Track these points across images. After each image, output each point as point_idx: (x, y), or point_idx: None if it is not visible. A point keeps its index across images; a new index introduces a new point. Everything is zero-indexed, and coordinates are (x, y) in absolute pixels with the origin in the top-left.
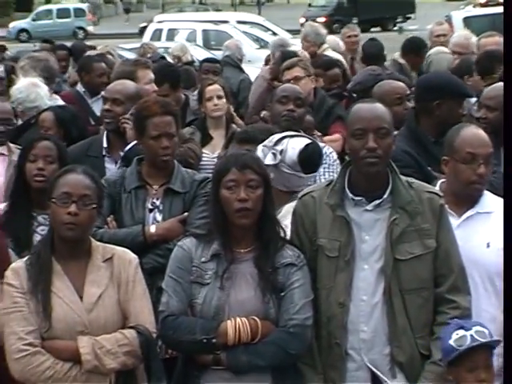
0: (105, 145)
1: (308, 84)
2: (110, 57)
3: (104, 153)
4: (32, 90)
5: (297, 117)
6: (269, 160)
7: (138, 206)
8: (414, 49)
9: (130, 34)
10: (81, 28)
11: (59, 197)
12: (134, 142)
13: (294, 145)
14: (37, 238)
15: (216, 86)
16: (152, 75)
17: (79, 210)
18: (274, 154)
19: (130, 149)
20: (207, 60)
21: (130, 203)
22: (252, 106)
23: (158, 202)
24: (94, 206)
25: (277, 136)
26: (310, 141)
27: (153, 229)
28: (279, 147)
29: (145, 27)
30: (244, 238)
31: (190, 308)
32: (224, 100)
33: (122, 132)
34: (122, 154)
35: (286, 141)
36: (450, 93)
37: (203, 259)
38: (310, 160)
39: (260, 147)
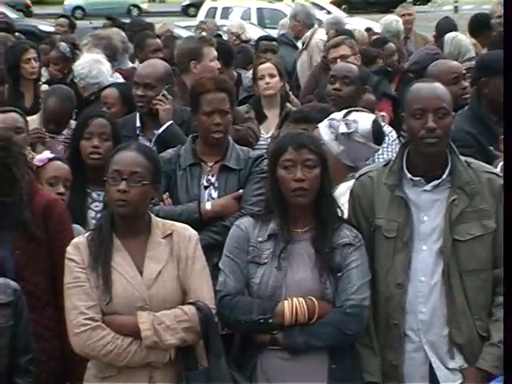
0: (138, 124)
1: (355, 62)
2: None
3: (138, 132)
4: (94, 66)
5: (343, 95)
6: (343, 129)
7: (193, 183)
8: (484, 25)
9: (173, 12)
10: (135, 5)
11: (111, 174)
12: (168, 123)
13: (364, 117)
14: (91, 214)
15: (268, 65)
16: (215, 52)
17: (129, 187)
18: (348, 124)
19: (164, 130)
20: (264, 38)
21: (185, 180)
22: (305, 85)
23: (213, 179)
24: (145, 182)
25: (343, 110)
26: (374, 115)
27: (208, 206)
28: (351, 117)
29: (188, 5)
30: (301, 217)
31: (247, 288)
32: (277, 79)
33: (154, 113)
34: (155, 132)
35: (354, 113)
36: (494, 70)
37: (260, 239)
38: (381, 131)
39: (326, 122)
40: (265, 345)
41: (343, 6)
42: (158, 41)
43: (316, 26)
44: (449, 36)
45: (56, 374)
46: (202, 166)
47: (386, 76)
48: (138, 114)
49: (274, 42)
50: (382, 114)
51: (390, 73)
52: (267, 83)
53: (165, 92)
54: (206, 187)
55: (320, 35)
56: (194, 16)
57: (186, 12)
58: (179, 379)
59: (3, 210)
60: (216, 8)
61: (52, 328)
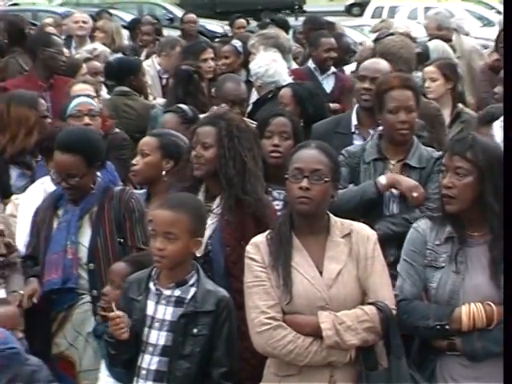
0: (354, 122)
1: None
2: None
3: (353, 129)
4: (271, 65)
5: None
6: None
7: (375, 177)
8: None
9: (336, 12)
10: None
11: (292, 172)
12: None
13: None
14: None
15: (430, 68)
16: None
17: (311, 184)
18: None
19: None
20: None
21: (368, 174)
22: (478, 88)
23: None
24: (327, 180)
25: None
26: None
27: (383, 179)
28: None
29: (352, 5)
30: (476, 221)
31: (425, 291)
32: (439, 82)
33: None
34: (370, 132)
35: None
36: None
37: (437, 242)
38: None
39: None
40: (443, 350)
41: None
42: (333, 40)
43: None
44: None
45: (257, 372)
46: (385, 162)
47: None
48: (354, 111)
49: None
50: None
51: None
52: (427, 87)
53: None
54: None
55: (467, 40)
56: (358, 15)
57: (349, 11)
58: (359, 379)
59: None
60: (383, 7)
61: None
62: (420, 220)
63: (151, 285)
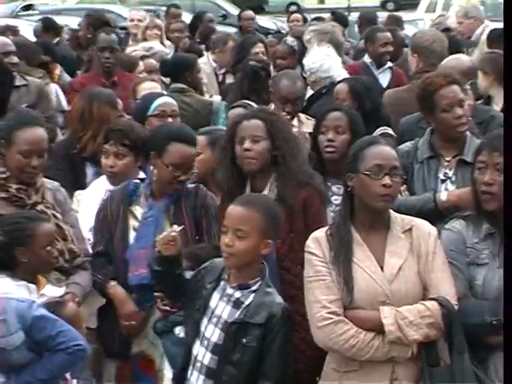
0: None
1: None
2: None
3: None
4: (325, 60)
5: None
6: None
7: (430, 176)
8: None
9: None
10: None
11: (372, 169)
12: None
13: None
14: (330, 207)
15: None
16: None
17: (392, 181)
18: None
19: None
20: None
21: (422, 173)
22: None
23: (450, 173)
24: (403, 177)
25: None
26: None
27: (444, 196)
28: None
29: (386, 0)
30: None
31: (470, 289)
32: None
33: None
34: None
35: None
36: None
37: (476, 240)
38: None
39: None
40: (497, 346)
41: None
42: (389, 34)
43: (486, 22)
44: None
45: (313, 363)
46: (439, 159)
47: None
48: None
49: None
50: None
51: None
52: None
53: (468, 87)
54: (442, 181)
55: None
56: (392, 11)
57: (383, 7)
58: (421, 375)
59: None
60: (436, 2)
61: None
62: (453, 221)
63: (221, 278)
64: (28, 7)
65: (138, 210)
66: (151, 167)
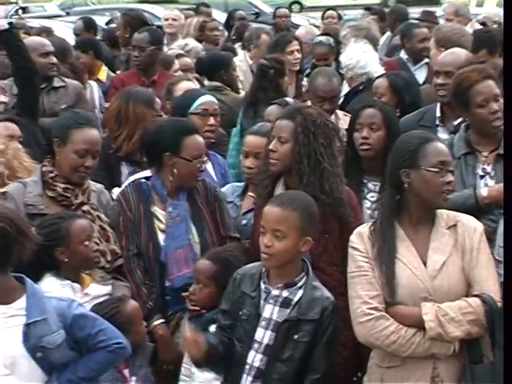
0: (438, 114)
1: None
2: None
3: (437, 122)
4: (362, 56)
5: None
6: None
7: (468, 172)
8: None
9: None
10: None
11: (436, 165)
12: None
13: None
14: (366, 204)
15: None
16: None
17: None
18: None
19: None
20: None
21: (459, 170)
22: None
23: (488, 168)
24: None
25: None
26: None
27: (484, 191)
28: None
29: None
30: None
31: None
32: None
33: None
34: (454, 124)
35: None
36: None
37: None
38: None
39: None
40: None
41: None
42: (426, 30)
43: (473, 20)
44: None
45: (348, 364)
46: (476, 155)
47: None
48: (438, 104)
49: None
50: None
51: None
52: None
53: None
54: (481, 176)
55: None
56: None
57: (385, 4)
58: (463, 372)
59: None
60: None
61: (344, 318)
62: None
63: (261, 282)
64: (22, 11)
65: (158, 211)
66: (170, 166)
